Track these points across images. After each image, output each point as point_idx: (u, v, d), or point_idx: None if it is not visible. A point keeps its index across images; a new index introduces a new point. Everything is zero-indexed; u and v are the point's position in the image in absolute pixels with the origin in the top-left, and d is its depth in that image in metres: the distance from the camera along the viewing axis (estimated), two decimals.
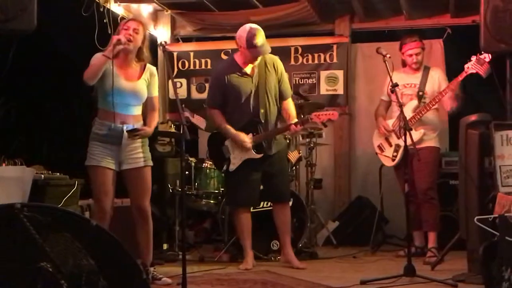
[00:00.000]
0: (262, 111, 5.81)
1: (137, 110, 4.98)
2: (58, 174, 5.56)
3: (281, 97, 5.94)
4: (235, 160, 5.84)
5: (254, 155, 5.81)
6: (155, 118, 5.06)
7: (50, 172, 5.51)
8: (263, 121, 5.81)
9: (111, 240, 2.99)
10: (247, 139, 5.77)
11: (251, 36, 5.62)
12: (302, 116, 5.97)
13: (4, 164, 4.84)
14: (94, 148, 4.85)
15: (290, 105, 5.97)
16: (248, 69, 5.82)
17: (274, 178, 5.88)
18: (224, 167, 5.89)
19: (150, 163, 5.06)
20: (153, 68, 5.11)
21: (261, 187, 5.97)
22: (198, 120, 5.11)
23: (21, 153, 5.47)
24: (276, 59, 6.01)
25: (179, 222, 6.45)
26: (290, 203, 6.09)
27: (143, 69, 5.03)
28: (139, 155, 4.97)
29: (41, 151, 8.24)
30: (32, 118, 8.10)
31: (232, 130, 5.80)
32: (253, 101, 5.80)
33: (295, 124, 5.72)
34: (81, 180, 5.64)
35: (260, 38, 5.65)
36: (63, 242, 2.93)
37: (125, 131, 4.83)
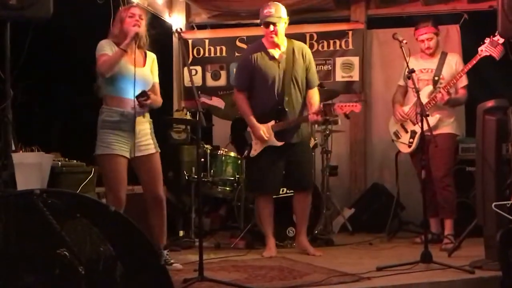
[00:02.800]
0: (286, 98, 5.78)
1: None
2: (74, 161, 5.58)
3: (307, 86, 5.91)
4: (257, 146, 5.84)
5: (275, 142, 5.79)
6: (158, 99, 5.08)
7: (67, 159, 5.54)
8: (286, 109, 5.78)
9: (129, 225, 3.01)
10: (264, 134, 5.75)
11: (263, 9, 5.73)
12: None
13: (21, 151, 4.86)
14: (105, 136, 4.83)
15: (314, 94, 5.93)
16: (275, 53, 5.81)
17: (297, 166, 5.85)
18: (246, 153, 5.90)
19: (159, 149, 5.07)
20: (154, 55, 5.13)
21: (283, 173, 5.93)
22: (216, 101, 5.11)
23: (37, 141, 5.49)
24: (305, 47, 6.02)
25: (195, 209, 6.47)
26: None
27: (145, 55, 5.05)
28: (149, 141, 4.99)
29: (57, 138, 8.29)
30: (48, 105, 8.13)
31: (254, 121, 5.79)
32: (279, 87, 5.78)
33: (316, 113, 5.69)
34: (97, 167, 5.66)
35: (272, 9, 5.69)
36: (81, 228, 2.95)
37: (141, 119, 4.84)
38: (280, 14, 5.72)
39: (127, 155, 4.88)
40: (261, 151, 5.84)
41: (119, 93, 4.87)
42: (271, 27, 5.71)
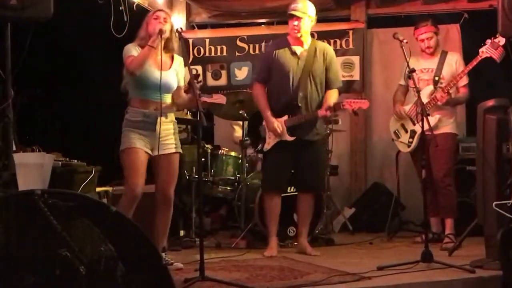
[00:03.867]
0: (301, 94, 5.77)
1: (168, 98, 5.10)
2: (75, 161, 5.58)
3: (327, 86, 5.90)
4: (270, 139, 5.83)
5: (287, 137, 5.78)
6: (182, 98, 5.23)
7: (67, 159, 5.54)
8: (300, 105, 5.78)
9: (130, 225, 3.01)
10: (278, 128, 5.74)
11: (291, 4, 5.76)
12: None
13: (22, 151, 4.86)
14: (127, 134, 4.93)
15: (331, 94, 5.88)
16: (297, 49, 5.83)
17: (309, 167, 5.83)
18: (259, 146, 5.93)
19: (180, 150, 5.16)
20: (181, 59, 5.22)
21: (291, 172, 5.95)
22: (217, 98, 5.10)
23: (38, 141, 5.50)
24: (328, 47, 6.08)
25: (195, 209, 6.47)
26: None
27: (171, 59, 5.14)
28: (171, 141, 5.06)
29: (58, 138, 8.28)
30: (49, 105, 8.13)
31: (269, 114, 5.79)
32: (295, 83, 5.78)
33: (326, 109, 5.70)
34: (98, 167, 5.67)
35: (300, 4, 5.73)
36: (82, 228, 2.96)
37: (164, 120, 4.95)
38: (306, 10, 5.74)
39: (148, 150, 4.96)
40: (273, 146, 5.83)
41: (143, 95, 4.98)
42: (295, 22, 5.72)
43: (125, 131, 4.96)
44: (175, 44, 5.14)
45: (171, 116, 5.13)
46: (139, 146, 4.91)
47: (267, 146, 5.85)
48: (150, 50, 4.89)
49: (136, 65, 4.87)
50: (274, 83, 5.85)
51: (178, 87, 5.16)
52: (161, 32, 4.91)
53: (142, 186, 4.91)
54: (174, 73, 5.09)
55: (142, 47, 4.97)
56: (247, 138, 6.57)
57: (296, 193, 6.03)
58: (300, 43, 5.84)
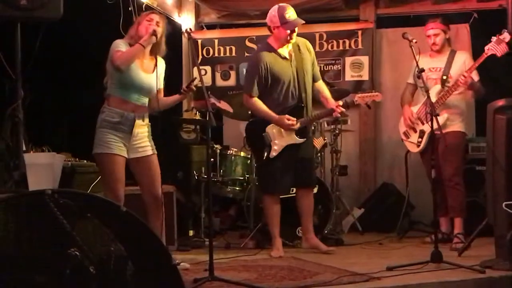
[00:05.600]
0: (303, 95, 5.80)
1: (146, 102, 5.06)
2: (85, 161, 5.60)
3: (314, 79, 5.94)
4: (277, 146, 5.79)
5: (296, 140, 5.79)
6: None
7: (77, 159, 5.56)
8: (304, 105, 5.80)
9: (140, 225, 3.01)
10: (291, 121, 5.74)
11: (282, 11, 5.66)
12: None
13: (32, 151, 4.88)
14: (105, 136, 4.87)
15: (323, 87, 5.98)
16: (284, 52, 5.81)
17: (304, 163, 5.87)
18: (265, 154, 5.82)
19: (155, 151, 5.09)
20: (163, 61, 5.18)
21: None
22: (225, 105, 5.12)
23: (47, 141, 5.52)
24: (307, 42, 6.03)
25: (205, 209, 6.47)
26: (315, 189, 6.10)
27: (155, 62, 5.10)
28: (146, 143, 5.02)
29: (67, 139, 8.29)
30: (59, 106, 8.14)
31: (275, 115, 5.75)
32: (295, 85, 5.78)
33: (342, 106, 5.73)
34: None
35: (291, 12, 5.68)
36: (92, 228, 2.96)
37: (140, 122, 4.91)
38: (300, 20, 5.74)
39: (125, 154, 4.92)
40: (280, 152, 5.80)
41: (123, 95, 4.93)
42: (294, 37, 5.73)
43: (101, 132, 4.89)
44: (163, 48, 5.10)
45: (146, 119, 5.07)
46: (116, 151, 4.87)
47: (274, 153, 5.80)
48: (140, 48, 4.85)
49: (124, 60, 4.82)
50: (273, 92, 5.80)
51: (158, 90, 5.10)
52: (154, 33, 4.88)
53: (123, 189, 4.92)
54: (155, 77, 5.03)
55: (131, 45, 4.93)
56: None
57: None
58: (284, 44, 5.81)
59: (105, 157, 4.87)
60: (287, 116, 5.74)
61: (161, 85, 5.14)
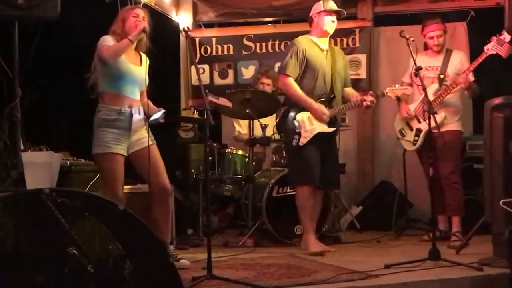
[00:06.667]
0: (334, 88, 5.86)
1: (138, 95, 5.04)
2: (83, 160, 5.60)
3: (344, 85, 6.04)
4: (307, 133, 5.77)
5: (327, 129, 5.80)
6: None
7: (75, 158, 5.55)
8: (334, 96, 5.86)
9: (138, 224, 3.02)
10: (327, 111, 5.77)
11: (324, 1, 5.81)
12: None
13: (30, 150, 4.88)
14: (103, 135, 4.84)
15: (353, 91, 6.13)
16: (322, 45, 5.90)
17: (332, 164, 5.93)
18: (294, 142, 5.79)
19: (154, 141, 5.06)
20: (147, 58, 5.14)
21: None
22: (224, 101, 5.12)
23: (45, 140, 5.52)
24: (341, 50, 6.26)
25: (203, 207, 6.48)
26: None
27: (140, 56, 5.09)
28: (144, 135, 4.98)
29: (65, 137, 8.29)
30: (56, 104, 8.13)
31: (313, 102, 5.76)
32: (329, 79, 5.84)
33: (371, 95, 5.82)
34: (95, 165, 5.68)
35: (332, 3, 5.83)
36: (90, 227, 2.97)
37: (137, 117, 4.91)
38: (342, 12, 5.89)
39: (124, 152, 4.91)
40: (309, 140, 5.77)
41: (117, 91, 4.90)
42: (334, 17, 5.83)
43: (99, 132, 4.86)
44: (146, 43, 5.04)
45: (142, 114, 5.02)
46: (116, 150, 4.85)
47: (303, 141, 5.76)
48: (128, 43, 4.81)
49: (112, 53, 4.79)
50: (308, 78, 5.82)
51: (142, 91, 5.10)
52: (145, 30, 4.85)
53: (122, 188, 4.92)
54: (144, 71, 5.03)
55: (117, 42, 4.90)
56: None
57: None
58: (324, 39, 5.92)
59: (105, 157, 4.84)
60: (323, 106, 5.78)
61: (147, 81, 5.10)
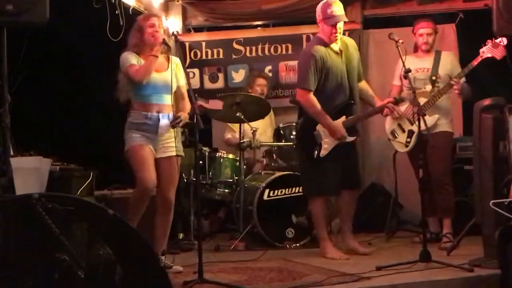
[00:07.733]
0: (354, 92, 5.79)
1: (169, 100, 5.11)
2: (73, 165, 5.58)
3: (358, 79, 5.95)
4: (327, 145, 5.69)
5: (348, 138, 5.73)
6: (187, 104, 5.17)
7: (65, 163, 5.53)
8: (354, 102, 5.79)
9: (128, 229, 3.02)
10: (344, 131, 5.68)
11: (326, 6, 5.62)
12: None
13: (19, 156, 4.86)
14: (131, 134, 5.00)
15: (367, 86, 6.03)
16: (335, 48, 5.75)
17: (355, 166, 5.94)
18: (315, 154, 5.71)
19: (182, 153, 5.20)
20: (177, 59, 5.27)
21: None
22: (214, 104, 5.13)
23: (34, 145, 5.49)
24: (354, 42, 6.06)
25: (194, 211, 6.48)
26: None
27: (168, 60, 5.18)
28: (171, 144, 5.08)
29: (54, 142, 8.27)
30: (45, 109, 8.12)
31: (331, 121, 5.64)
32: (346, 82, 5.73)
33: (394, 103, 5.82)
34: (96, 171, 5.66)
35: (336, 8, 5.61)
36: (80, 232, 2.96)
37: (166, 122, 5.01)
38: (343, 11, 5.69)
39: (153, 150, 5.03)
40: (330, 150, 5.72)
41: (144, 99, 5.03)
42: (338, 27, 5.63)
43: (128, 133, 5.02)
44: (169, 43, 5.20)
45: (171, 118, 5.08)
46: (144, 143, 4.96)
47: (324, 152, 5.69)
48: (155, 60, 4.95)
49: (143, 74, 4.93)
50: (327, 87, 5.69)
51: (179, 86, 5.18)
52: (164, 41, 5.01)
53: (154, 181, 4.94)
54: (172, 74, 5.10)
55: (138, 54, 5.03)
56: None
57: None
58: (333, 41, 5.75)
59: (132, 149, 4.97)
60: (340, 126, 5.68)
61: (180, 81, 5.20)
